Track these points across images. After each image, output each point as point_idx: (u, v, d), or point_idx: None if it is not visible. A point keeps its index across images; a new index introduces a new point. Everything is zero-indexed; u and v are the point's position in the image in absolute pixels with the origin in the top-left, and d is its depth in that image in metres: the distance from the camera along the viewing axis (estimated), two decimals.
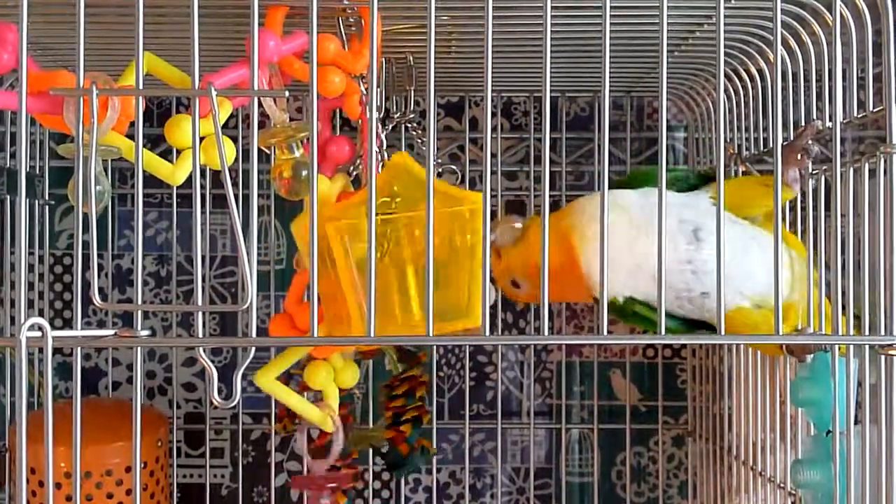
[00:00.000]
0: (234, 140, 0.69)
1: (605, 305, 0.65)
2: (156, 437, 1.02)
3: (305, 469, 0.93)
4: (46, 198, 1.15)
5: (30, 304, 1.13)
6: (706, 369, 1.14)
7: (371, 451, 1.11)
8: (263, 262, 1.17)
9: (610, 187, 0.68)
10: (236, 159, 0.69)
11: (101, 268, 1.17)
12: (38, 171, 1.14)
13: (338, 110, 0.96)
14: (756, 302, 0.80)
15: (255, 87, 0.63)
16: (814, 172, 0.81)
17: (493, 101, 1.18)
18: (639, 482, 1.23)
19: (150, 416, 1.05)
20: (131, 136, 0.65)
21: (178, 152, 0.68)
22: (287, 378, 1.01)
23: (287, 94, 0.66)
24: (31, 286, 1.15)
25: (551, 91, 1.15)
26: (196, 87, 0.62)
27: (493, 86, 1.09)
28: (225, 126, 0.64)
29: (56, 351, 1.14)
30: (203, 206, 1.09)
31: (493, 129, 1.18)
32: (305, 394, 0.91)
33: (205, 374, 1.17)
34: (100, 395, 1.19)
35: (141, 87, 0.63)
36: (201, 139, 0.63)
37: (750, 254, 0.80)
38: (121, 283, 1.19)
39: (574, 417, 1.22)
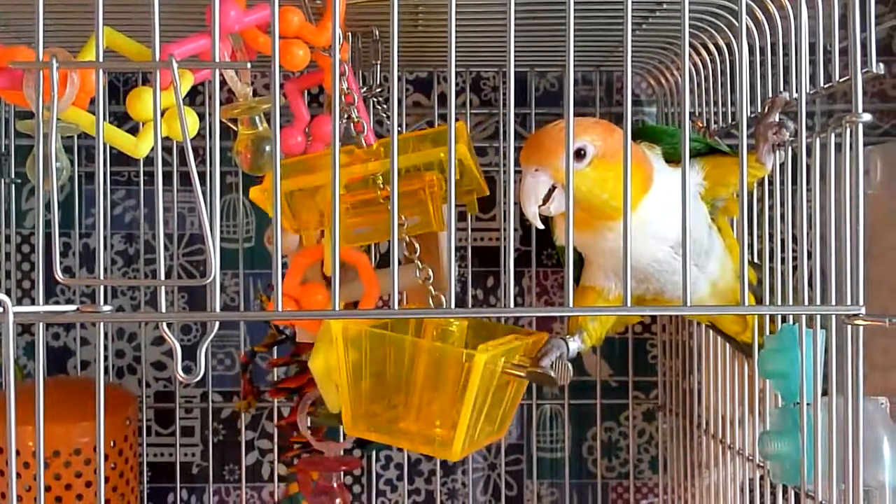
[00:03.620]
0: (201, 117, 0.68)
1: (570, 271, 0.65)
2: (124, 415, 1.01)
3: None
4: (13, 177, 1.14)
5: None
6: (676, 344, 1.15)
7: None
8: (232, 240, 1.16)
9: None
10: (202, 135, 0.68)
11: (68, 247, 1.16)
12: (3, 150, 1.12)
13: None
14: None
15: (217, 59, 0.62)
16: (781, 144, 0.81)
17: (461, 76, 1.18)
18: (610, 457, 1.23)
19: (118, 395, 1.04)
20: (93, 112, 0.64)
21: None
22: (251, 355, 1.02)
23: (249, 65, 0.65)
24: None
25: (520, 66, 1.15)
26: (157, 58, 0.61)
27: (461, 61, 1.10)
28: (192, 103, 0.63)
29: (24, 330, 1.14)
30: (170, 182, 1.07)
31: (462, 105, 1.18)
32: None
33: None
34: (69, 375, 1.18)
35: (101, 60, 0.62)
36: (163, 111, 0.62)
37: None
38: (88, 263, 1.18)
39: (545, 393, 1.22)
